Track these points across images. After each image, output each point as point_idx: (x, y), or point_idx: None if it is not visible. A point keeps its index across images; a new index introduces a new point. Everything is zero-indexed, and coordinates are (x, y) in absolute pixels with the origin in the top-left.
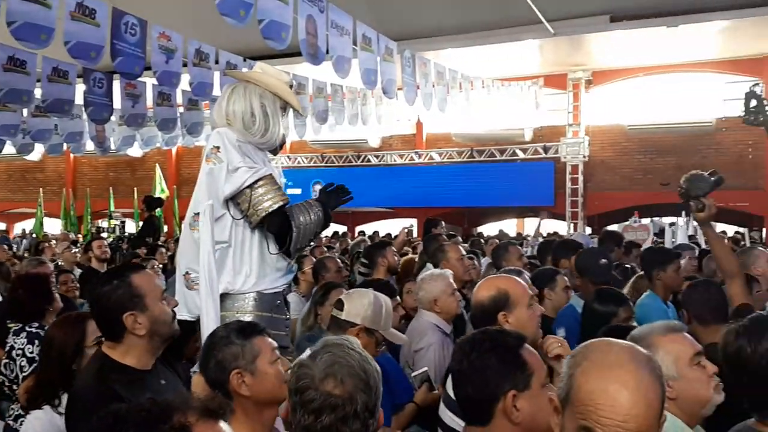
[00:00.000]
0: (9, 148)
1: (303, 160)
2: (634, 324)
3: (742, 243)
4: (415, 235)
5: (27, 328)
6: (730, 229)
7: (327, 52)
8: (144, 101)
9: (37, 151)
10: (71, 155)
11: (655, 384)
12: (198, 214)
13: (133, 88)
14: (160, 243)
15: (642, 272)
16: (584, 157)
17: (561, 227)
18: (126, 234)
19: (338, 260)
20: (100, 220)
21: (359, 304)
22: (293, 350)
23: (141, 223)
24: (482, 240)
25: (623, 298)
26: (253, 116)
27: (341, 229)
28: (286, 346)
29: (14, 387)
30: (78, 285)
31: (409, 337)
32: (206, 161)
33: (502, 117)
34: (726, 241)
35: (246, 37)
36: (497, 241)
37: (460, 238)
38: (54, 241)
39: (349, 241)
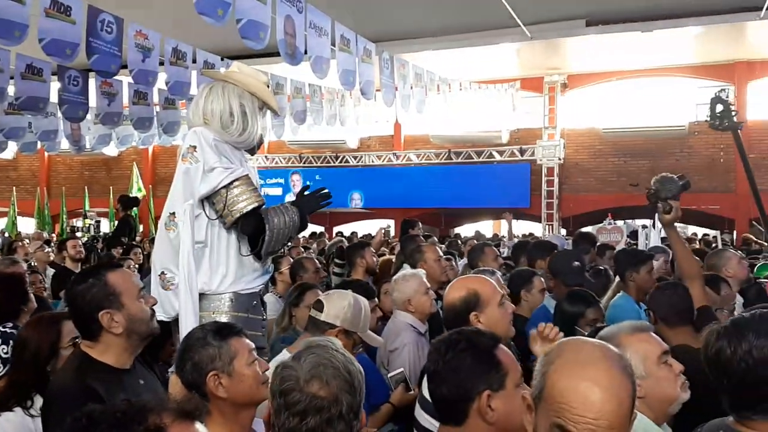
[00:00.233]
0: None
1: (281, 160)
2: (605, 325)
3: (714, 245)
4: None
5: (1, 329)
6: (702, 232)
7: (305, 52)
8: (120, 100)
9: (10, 150)
10: (45, 153)
11: (627, 382)
12: (173, 213)
13: (109, 87)
14: (135, 243)
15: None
16: (560, 159)
17: (536, 229)
18: (101, 233)
19: (316, 261)
20: (74, 220)
21: (339, 306)
22: (269, 351)
23: (116, 223)
24: (459, 241)
25: (592, 300)
26: (231, 116)
27: (319, 229)
28: (263, 346)
29: None
30: (45, 285)
31: (385, 337)
32: (182, 160)
33: (480, 119)
34: (697, 243)
35: (224, 37)
36: (475, 241)
37: (436, 239)
38: (27, 241)
39: (327, 241)
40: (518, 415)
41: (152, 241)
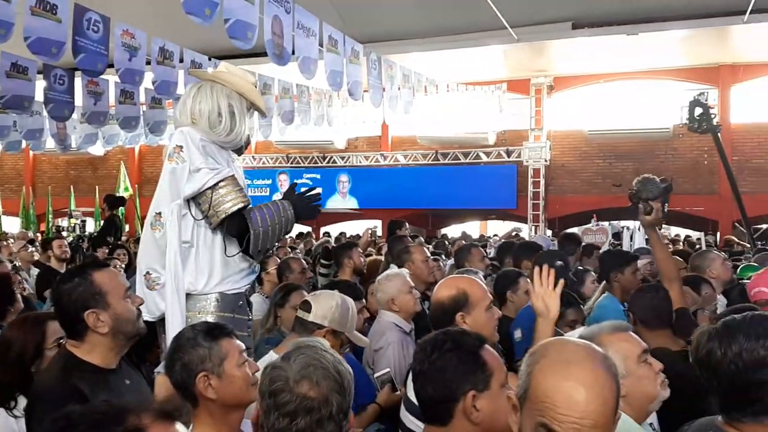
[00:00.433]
0: None
1: (268, 160)
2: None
3: (698, 247)
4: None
5: None
6: (686, 233)
7: (293, 52)
8: (106, 99)
9: None
10: (31, 152)
11: (611, 381)
12: (159, 213)
13: (96, 86)
14: (120, 243)
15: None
16: (546, 161)
17: (522, 230)
18: (86, 233)
19: (303, 261)
20: (60, 219)
21: (326, 306)
22: (253, 352)
23: (102, 223)
24: (447, 242)
25: (573, 301)
26: (219, 116)
27: (306, 229)
28: (249, 347)
29: None
30: (25, 286)
31: (370, 337)
32: (169, 160)
33: (467, 120)
34: (681, 245)
35: (211, 36)
36: (463, 242)
37: (422, 239)
38: (12, 240)
39: (314, 241)
40: (503, 416)
41: (137, 241)
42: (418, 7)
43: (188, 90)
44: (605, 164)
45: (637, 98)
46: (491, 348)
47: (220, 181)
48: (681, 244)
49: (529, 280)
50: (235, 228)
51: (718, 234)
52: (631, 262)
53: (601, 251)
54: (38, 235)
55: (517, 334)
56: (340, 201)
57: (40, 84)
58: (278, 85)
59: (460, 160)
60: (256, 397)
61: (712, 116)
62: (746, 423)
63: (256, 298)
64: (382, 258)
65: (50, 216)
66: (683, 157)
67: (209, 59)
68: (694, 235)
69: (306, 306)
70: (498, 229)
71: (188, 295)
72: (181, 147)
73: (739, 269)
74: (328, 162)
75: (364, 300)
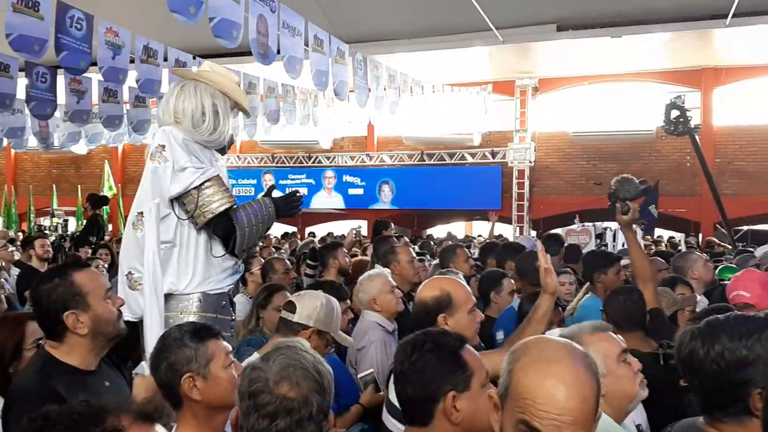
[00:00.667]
0: None
1: (253, 160)
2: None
3: (679, 248)
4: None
5: None
6: (668, 235)
7: (278, 52)
8: (89, 97)
9: None
10: (12, 151)
11: (591, 379)
12: (141, 213)
13: (78, 84)
14: (103, 242)
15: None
16: (530, 162)
17: (507, 230)
18: (69, 233)
19: (287, 261)
20: (42, 218)
21: (311, 306)
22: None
23: (84, 222)
24: (432, 242)
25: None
26: (203, 115)
27: (291, 229)
28: (232, 347)
29: None
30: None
31: (353, 337)
32: (151, 160)
33: (452, 121)
34: (663, 246)
35: (196, 35)
36: (450, 242)
37: (407, 239)
38: None
39: (299, 241)
40: (484, 416)
41: (119, 241)
42: (404, 7)
43: (171, 89)
44: (589, 166)
45: (621, 100)
46: (472, 348)
47: (206, 181)
48: (663, 245)
49: (513, 281)
50: (221, 228)
51: (701, 235)
52: (615, 263)
53: (584, 252)
54: (19, 234)
55: (500, 335)
56: (326, 198)
57: (22, 81)
58: (263, 84)
59: (445, 160)
60: None
61: (689, 118)
62: (727, 423)
63: (240, 299)
64: (368, 258)
65: (32, 215)
66: (666, 159)
67: (194, 58)
68: (677, 236)
69: (290, 306)
70: (483, 230)
71: (170, 296)
72: (163, 146)
73: (718, 270)
74: (313, 162)
75: (348, 300)
